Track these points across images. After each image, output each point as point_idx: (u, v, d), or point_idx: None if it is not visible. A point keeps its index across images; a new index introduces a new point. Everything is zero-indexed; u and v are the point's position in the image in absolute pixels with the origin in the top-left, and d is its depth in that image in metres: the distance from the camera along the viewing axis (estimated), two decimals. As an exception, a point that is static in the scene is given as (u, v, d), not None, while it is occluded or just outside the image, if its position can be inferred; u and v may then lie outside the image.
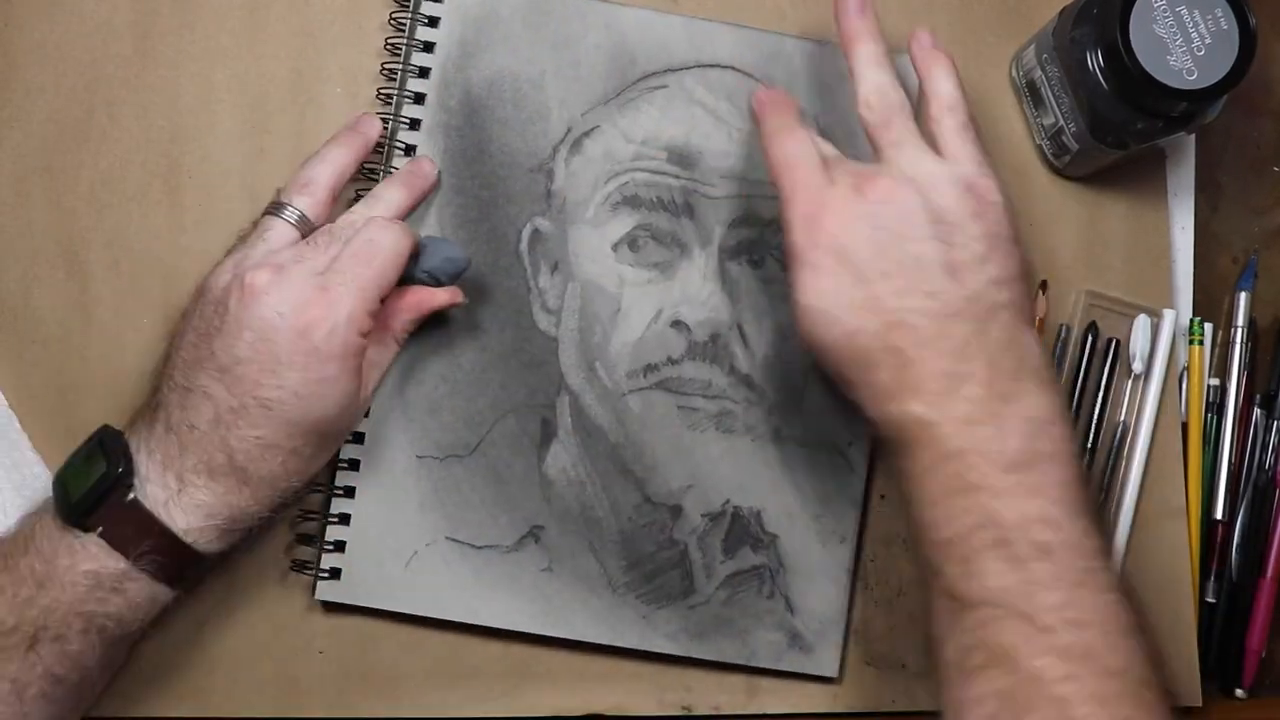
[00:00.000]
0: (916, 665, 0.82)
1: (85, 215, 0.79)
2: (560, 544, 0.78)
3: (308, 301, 0.68)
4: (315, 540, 0.78)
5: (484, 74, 0.80)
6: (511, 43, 0.80)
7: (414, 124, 0.79)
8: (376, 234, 0.71)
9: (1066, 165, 0.83)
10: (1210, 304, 0.88)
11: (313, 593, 0.77)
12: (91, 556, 0.66)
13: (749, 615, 0.79)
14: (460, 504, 0.78)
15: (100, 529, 0.66)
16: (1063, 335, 0.84)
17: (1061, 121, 0.80)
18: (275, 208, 0.73)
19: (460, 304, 0.76)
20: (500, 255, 0.79)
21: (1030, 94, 0.83)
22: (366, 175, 0.79)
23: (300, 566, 0.78)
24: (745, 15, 0.83)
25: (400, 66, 0.80)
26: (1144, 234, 0.86)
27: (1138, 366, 0.84)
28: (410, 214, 0.78)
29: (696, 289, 0.79)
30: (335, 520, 0.77)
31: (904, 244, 0.67)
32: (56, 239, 0.79)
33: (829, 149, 0.72)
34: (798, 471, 0.80)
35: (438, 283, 0.75)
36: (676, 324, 0.79)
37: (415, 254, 0.74)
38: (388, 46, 0.80)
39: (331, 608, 0.78)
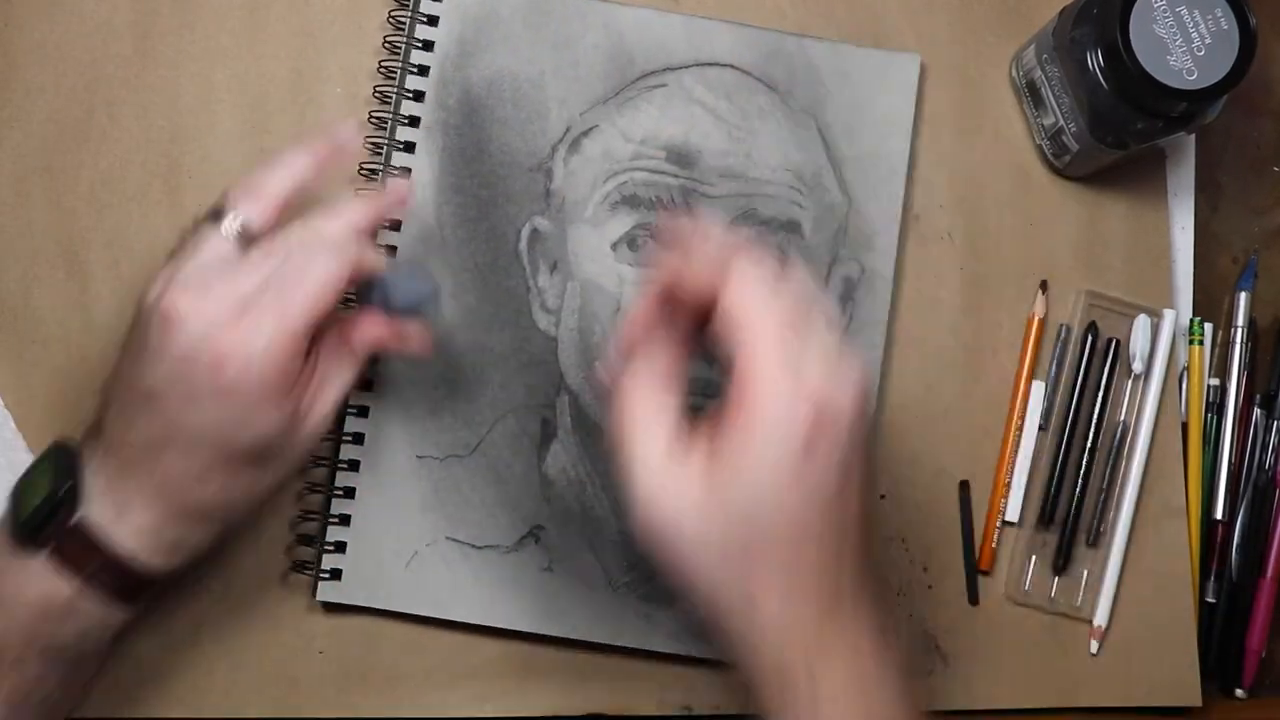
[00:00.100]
0: (917, 665, 0.82)
1: (85, 215, 0.79)
2: (560, 544, 0.78)
3: (222, 333, 0.62)
4: (316, 541, 0.78)
5: (483, 73, 0.80)
6: (511, 42, 0.80)
7: (413, 121, 0.79)
8: (312, 256, 0.64)
9: (1066, 165, 0.83)
10: (1210, 304, 0.88)
11: (313, 593, 0.77)
12: (40, 579, 0.64)
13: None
14: (460, 504, 0.78)
15: (48, 549, 0.64)
16: (1063, 335, 0.84)
17: (1061, 121, 0.80)
18: (215, 215, 0.66)
19: (421, 352, 0.71)
20: (499, 255, 0.79)
21: (1030, 94, 0.83)
22: (367, 176, 0.79)
23: (300, 567, 0.78)
24: (745, 14, 0.83)
25: (399, 65, 0.80)
26: (1144, 234, 0.86)
27: (1138, 366, 0.84)
28: (373, 230, 0.72)
29: (696, 288, 0.79)
30: (335, 521, 0.77)
31: (857, 465, 0.60)
32: (56, 239, 0.79)
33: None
34: (798, 471, 0.80)
35: (405, 313, 0.70)
36: (676, 323, 0.79)
37: (372, 283, 0.69)
38: (386, 45, 0.80)
39: (332, 608, 0.78)
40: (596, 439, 0.79)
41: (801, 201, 0.80)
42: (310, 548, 0.78)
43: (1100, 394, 0.84)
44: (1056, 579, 0.83)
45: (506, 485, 0.78)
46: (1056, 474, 0.83)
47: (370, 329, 0.69)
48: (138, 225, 0.80)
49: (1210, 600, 0.86)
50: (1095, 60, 0.75)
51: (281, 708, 0.78)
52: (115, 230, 0.79)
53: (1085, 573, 0.83)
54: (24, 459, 0.77)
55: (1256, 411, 0.87)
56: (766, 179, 0.80)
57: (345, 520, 0.77)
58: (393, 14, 0.81)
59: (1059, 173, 0.85)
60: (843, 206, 0.81)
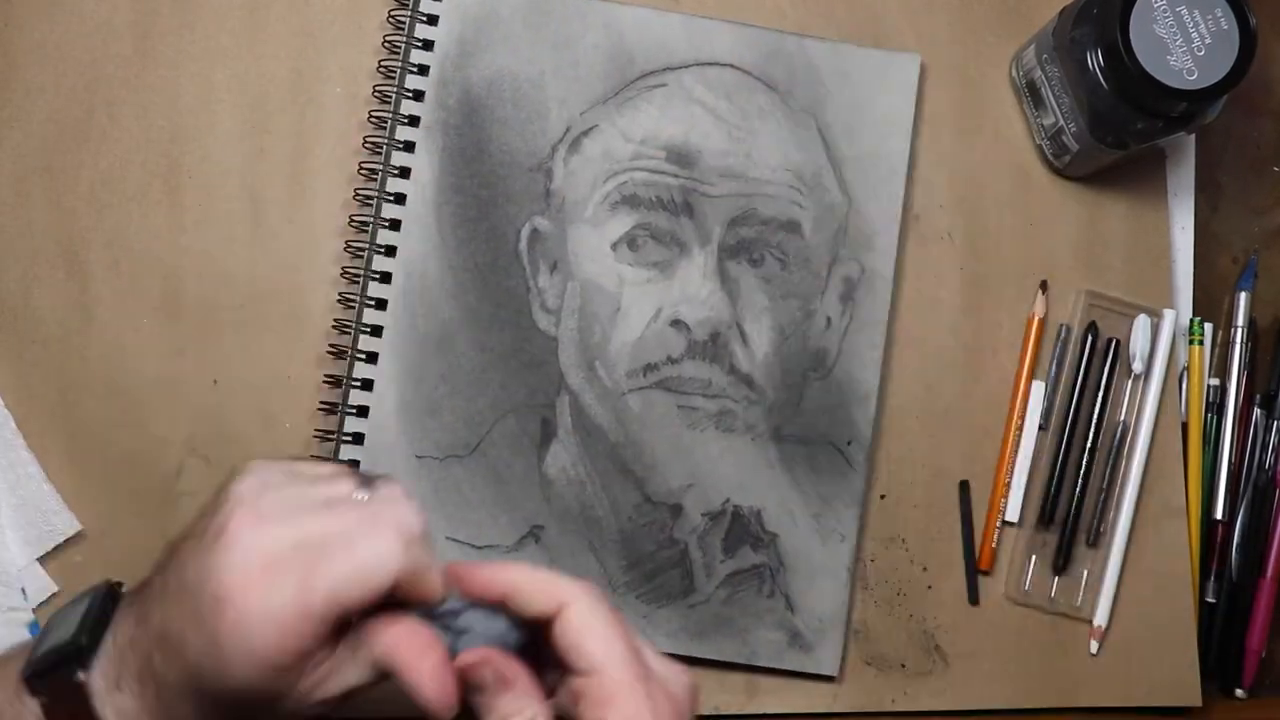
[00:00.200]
0: (916, 665, 0.82)
1: (85, 215, 0.79)
2: (560, 543, 0.78)
3: (238, 576, 0.55)
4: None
5: (483, 73, 0.80)
6: (511, 42, 0.80)
7: (413, 121, 0.80)
8: (374, 530, 0.57)
9: (1066, 165, 0.83)
10: (1210, 304, 0.88)
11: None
12: None
13: (749, 614, 0.79)
14: (460, 504, 0.78)
15: (43, 699, 0.59)
16: (1063, 335, 0.84)
17: (1061, 121, 0.80)
18: (365, 482, 0.59)
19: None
20: (499, 255, 0.79)
21: (1030, 94, 0.83)
22: (367, 176, 0.79)
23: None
24: (745, 13, 0.83)
25: (399, 65, 0.80)
26: (1144, 234, 0.86)
27: (1138, 366, 0.84)
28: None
29: (696, 288, 0.79)
30: (335, 520, 0.77)
31: None
32: (56, 239, 0.79)
33: None
34: (797, 470, 0.80)
35: None
36: (676, 323, 0.79)
37: (440, 613, 0.58)
38: (386, 45, 0.80)
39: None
40: (596, 439, 0.79)
41: (801, 201, 0.80)
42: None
43: (1100, 394, 0.84)
44: (1056, 579, 0.83)
45: (506, 485, 0.78)
46: (1056, 474, 0.83)
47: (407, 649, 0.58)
48: (138, 225, 0.80)
49: (1210, 600, 0.86)
50: (1095, 60, 0.75)
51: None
52: (115, 230, 0.79)
53: (1085, 573, 0.83)
54: (25, 458, 0.77)
55: (1256, 411, 0.87)
56: (766, 179, 0.80)
57: (345, 520, 0.77)
58: (393, 14, 0.81)
59: (1059, 173, 0.85)
60: (843, 206, 0.81)
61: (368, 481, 0.59)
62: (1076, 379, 0.84)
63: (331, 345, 0.77)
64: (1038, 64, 0.81)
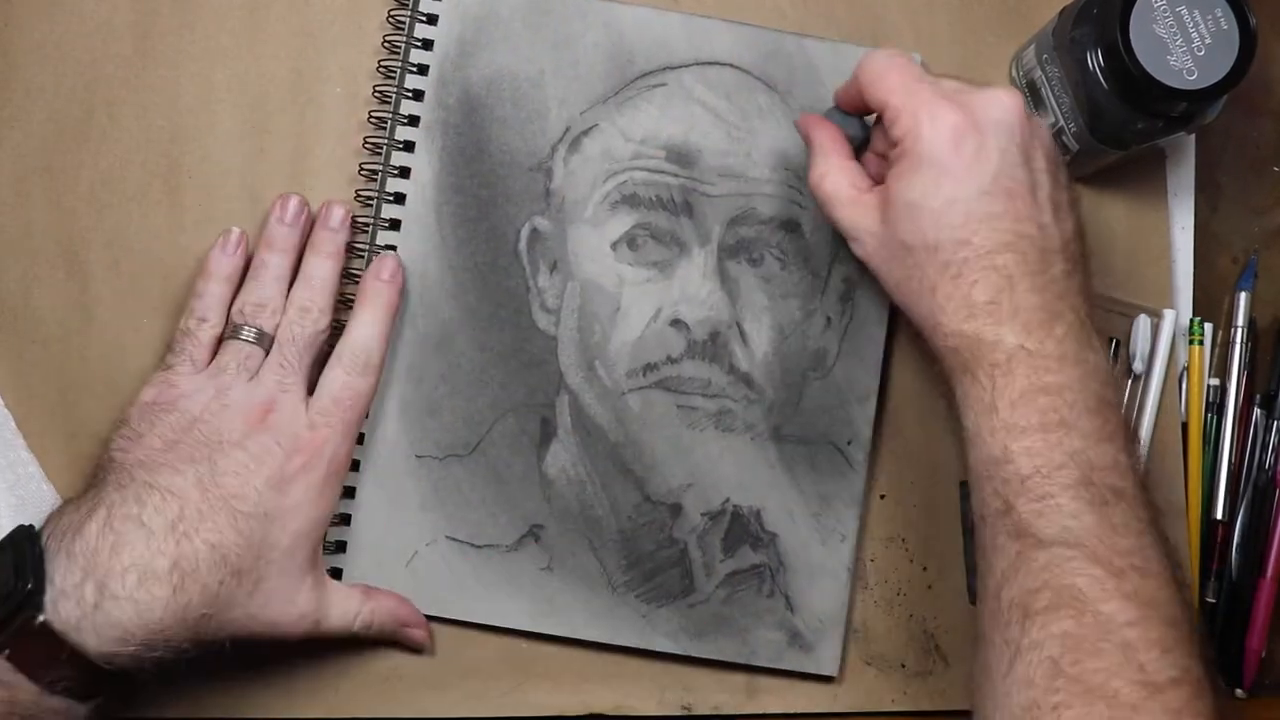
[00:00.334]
0: (916, 665, 0.82)
1: (85, 215, 0.79)
2: (560, 543, 0.78)
3: (299, 438, 0.72)
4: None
5: (483, 72, 0.80)
6: (511, 41, 0.80)
7: (413, 121, 0.79)
8: (354, 379, 0.75)
9: (1067, 165, 0.83)
10: (1210, 304, 0.88)
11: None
12: (2, 683, 0.62)
13: (749, 614, 0.79)
14: (460, 503, 0.78)
15: (7, 651, 0.62)
16: (1063, 335, 0.84)
17: (1061, 121, 0.80)
18: (235, 330, 0.75)
19: (422, 647, 0.79)
20: (499, 254, 0.79)
21: (1030, 94, 0.83)
22: (367, 176, 0.79)
23: (300, 566, 0.78)
24: (744, 13, 0.83)
25: (399, 65, 0.80)
26: (1144, 234, 0.86)
27: (1138, 366, 0.84)
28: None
29: (696, 288, 0.79)
30: (335, 520, 0.77)
31: (1024, 171, 0.68)
32: (56, 239, 0.79)
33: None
34: (797, 469, 0.80)
35: None
36: (676, 323, 0.79)
37: None
38: (386, 44, 0.80)
39: (331, 607, 0.78)
40: (596, 439, 0.79)
41: (801, 201, 0.80)
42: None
43: (1100, 394, 0.84)
44: (1056, 579, 0.83)
45: (506, 485, 0.78)
46: (1056, 474, 0.83)
47: (387, 605, 0.77)
48: (138, 225, 0.80)
49: (1210, 600, 0.85)
50: (1095, 60, 0.75)
51: (282, 708, 0.78)
52: (115, 230, 0.79)
53: (1085, 573, 0.83)
54: (24, 458, 0.77)
55: (1256, 411, 0.87)
56: (766, 178, 0.80)
57: (345, 519, 0.77)
58: (393, 13, 0.81)
59: (1059, 172, 0.85)
60: (842, 206, 0.81)
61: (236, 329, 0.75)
62: (1076, 379, 0.84)
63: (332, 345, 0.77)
64: (1038, 64, 0.81)
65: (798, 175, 0.80)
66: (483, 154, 0.80)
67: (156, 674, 0.67)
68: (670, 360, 0.79)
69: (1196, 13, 0.73)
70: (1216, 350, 0.88)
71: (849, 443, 0.80)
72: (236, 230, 0.77)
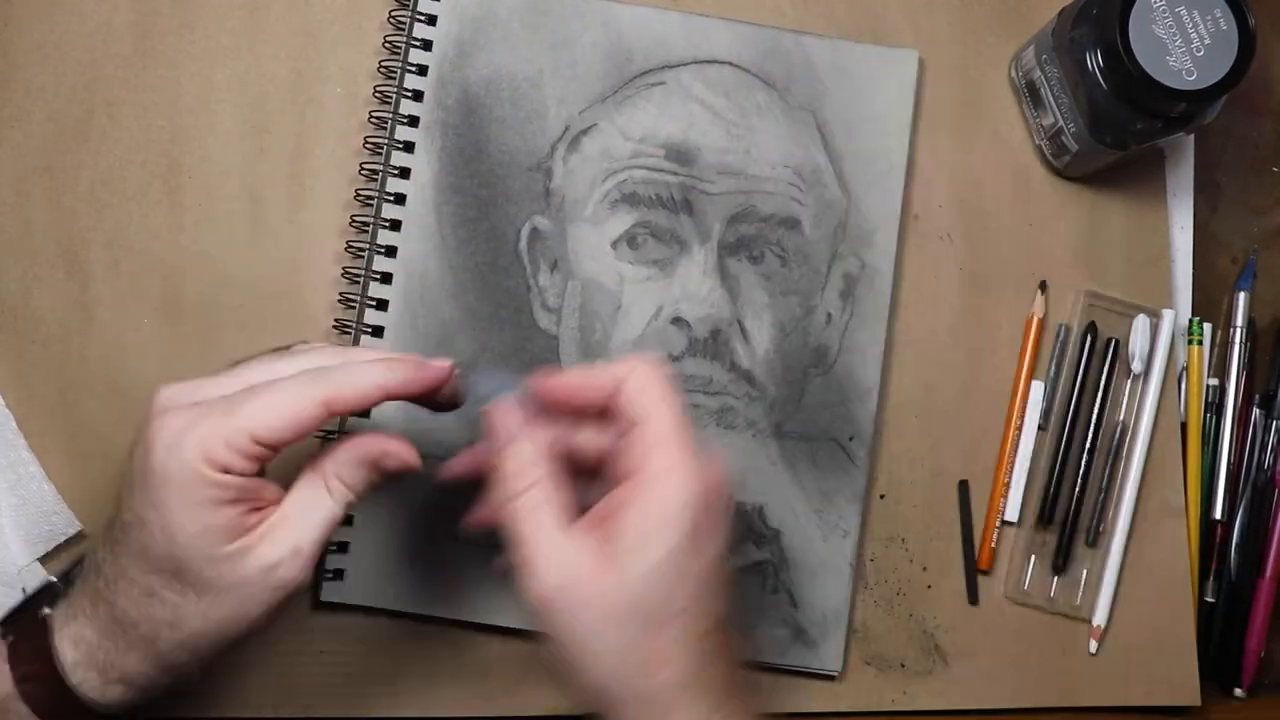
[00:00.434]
0: (916, 665, 0.82)
1: (85, 215, 0.79)
2: (561, 542, 0.78)
3: (162, 419, 0.59)
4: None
5: (482, 72, 0.80)
6: (509, 41, 0.81)
7: (412, 121, 0.80)
8: (281, 361, 0.62)
9: (1066, 165, 0.83)
10: (1209, 304, 0.88)
11: (316, 593, 0.77)
12: None
13: (752, 611, 0.79)
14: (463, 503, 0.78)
15: (11, 637, 0.62)
16: (1063, 335, 0.84)
17: (1061, 121, 0.80)
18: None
19: (413, 466, 0.64)
20: (499, 254, 0.79)
21: (1030, 94, 0.83)
22: (367, 176, 0.79)
23: (301, 567, 0.78)
24: (743, 11, 0.83)
25: (399, 65, 0.80)
26: (1144, 234, 0.86)
27: (1137, 366, 0.84)
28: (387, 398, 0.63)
29: (696, 285, 0.79)
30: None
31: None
32: (56, 239, 0.79)
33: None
34: (799, 466, 0.80)
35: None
36: (677, 321, 0.79)
37: (453, 403, 0.65)
38: (386, 45, 0.80)
39: (333, 607, 0.78)
40: (597, 438, 0.79)
41: (801, 198, 0.80)
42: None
43: (1100, 394, 0.84)
44: (1056, 579, 0.83)
45: (508, 484, 0.78)
46: (1056, 474, 0.83)
47: (360, 442, 0.63)
48: (138, 225, 0.80)
49: (1209, 600, 0.86)
50: (1095, 60, 0.75)
51: (282, 708, 0.78)
52: (115, 230, 0.79)
53: (1085, 573, 0.83)
54: (25, 458, 0.77)
55: (1255, 411, 0.87)
56: (765, 175, 0.80)
57: (348, 520, 0.77)
58: (393, 14, 0.81)
59: (1059, 173, 0.85)
60: (842, 203, 0.81)
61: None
62: (1076, 379, 0.84)
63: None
64: (1037, 64, 0.81)
65: (797, 172, 0.80)
66: (482, 154, 0.80)
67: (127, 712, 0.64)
68: (671, 358, 0.79)
69: (1196, 13, 0.73)
70: (1216, 350, 0.88)
71: (850, 439, 0.80)
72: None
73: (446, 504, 0.78)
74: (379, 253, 0.79)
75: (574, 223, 0.80)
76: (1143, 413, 0.84)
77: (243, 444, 0.58)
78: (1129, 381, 0.85)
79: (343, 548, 0.77)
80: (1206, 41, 0.73)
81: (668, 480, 0.60)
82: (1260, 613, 0.85)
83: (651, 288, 0.79)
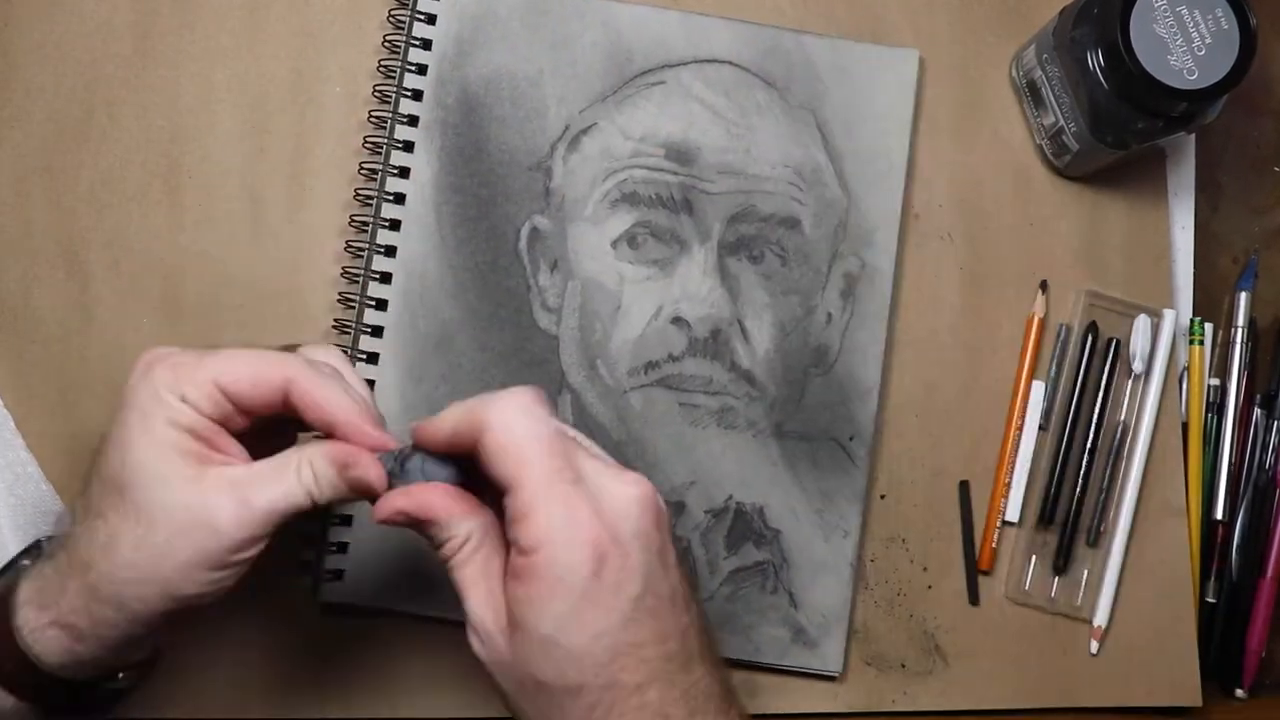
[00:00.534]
0: (916, 665, 0.82)
1: (85, 215, 0.79)
2: (562, 542, 0.78)
3: (146, 356, 0.61)
4: (317, 541, 0.78)
5: (481, 72, 0.80)
6: (509, 40, 0.80)
7: (412, 121, 0.80)
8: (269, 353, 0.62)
9: (1066, 165, 0.83)
10: (1210, 304, 0.88)
11: (316, 594, 0.77)
12: None
13: (753, 611, 0.79)
14: (462, 502, 0.78)
15: None
16: (1063, 335, 0.84)
17: (1061, 121, 0.80)
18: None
19: (373, 490, 0.61)
20: (499, 254, 0.79)
21: (1030, 94, 0.83)
22: (367, 176, 0.79)
23: (303, 568, 0.78)
24: (743, 10, 0.83)
25: (399, 64, 0.80)
26: (1144, 234, 0.86)
27: (1138, 366, 0.84)
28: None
29: (696, 285, 0.79)
30: (337, 521, 0.77)
31: (663, 580, 0.59)
32: (56, 239, 0.79)
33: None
34: (799, 466, 0.80)
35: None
36: (677, 320, 0.79)
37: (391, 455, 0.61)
38: (386, 44, 0.80)
39: (333, 608, 0.78)
40: (599, 437, 0.78)
41: (801, 197, 0.80)
42: (312, 548, 0.78)
43: (1100, 394, 0.84)
44: (1056, 579, 0.83)
45: (508, 483, 0.78)
46: (1056, 474, 0.83)
47: (320, 448, 0.61)
48: (138, 225, 0.80)
49: (1210, 600, 0.86)
50: (1095, 60, 0.75)
51: (282, 708, 0.78)
52: (115, 230, 0.79)
53: (1085, 573, 0.83)
54: (23, 458, 0.77)
55: (1256, 411, 0.87)
56: (766, 175, 0.80)
57: (347, 520, 0.77)
58: (393, 13, 0.81)
59: (1059, 173, 0.85)
60: (842, 202, 0.81)
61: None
62: (1076, 379, 0.84)
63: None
64: (1038, 64, 0.81)
65: (797, 171, 0.80)
66: (482, 153, 0.80)
67: (103, 681, 0.65)
68: (672, 358, 0.79)
69: (1196, 13, 0.73)
70: (1217, 350, 0.88)
71: (851, 439, 0.80)
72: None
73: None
74: (379, 252, 0.79)
75: (574, 222, 0.80)
76: (1144, 413, 0.84)
77: (205, 386, 0.59)
78: (1130, 381, 0.85)
79: (342, 548, 0.77)
80: (1207, 41, 0.73)
81: (541, 553, 0.56)
82: (1261, 613, 0.85)
83: (651, 287, 0.79)
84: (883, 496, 0.82)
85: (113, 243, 0.79)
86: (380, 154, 0.80)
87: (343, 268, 0.79)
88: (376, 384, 0.78)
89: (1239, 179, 0.90)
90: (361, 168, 0.80)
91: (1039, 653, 0.82)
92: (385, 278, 0.79)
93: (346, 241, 0.79)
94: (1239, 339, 0.86)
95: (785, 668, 0.80)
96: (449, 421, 0.59)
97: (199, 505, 0.58)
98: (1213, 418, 0.87)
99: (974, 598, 0.82)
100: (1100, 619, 0.82)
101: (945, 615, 0.82)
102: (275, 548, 0.72)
